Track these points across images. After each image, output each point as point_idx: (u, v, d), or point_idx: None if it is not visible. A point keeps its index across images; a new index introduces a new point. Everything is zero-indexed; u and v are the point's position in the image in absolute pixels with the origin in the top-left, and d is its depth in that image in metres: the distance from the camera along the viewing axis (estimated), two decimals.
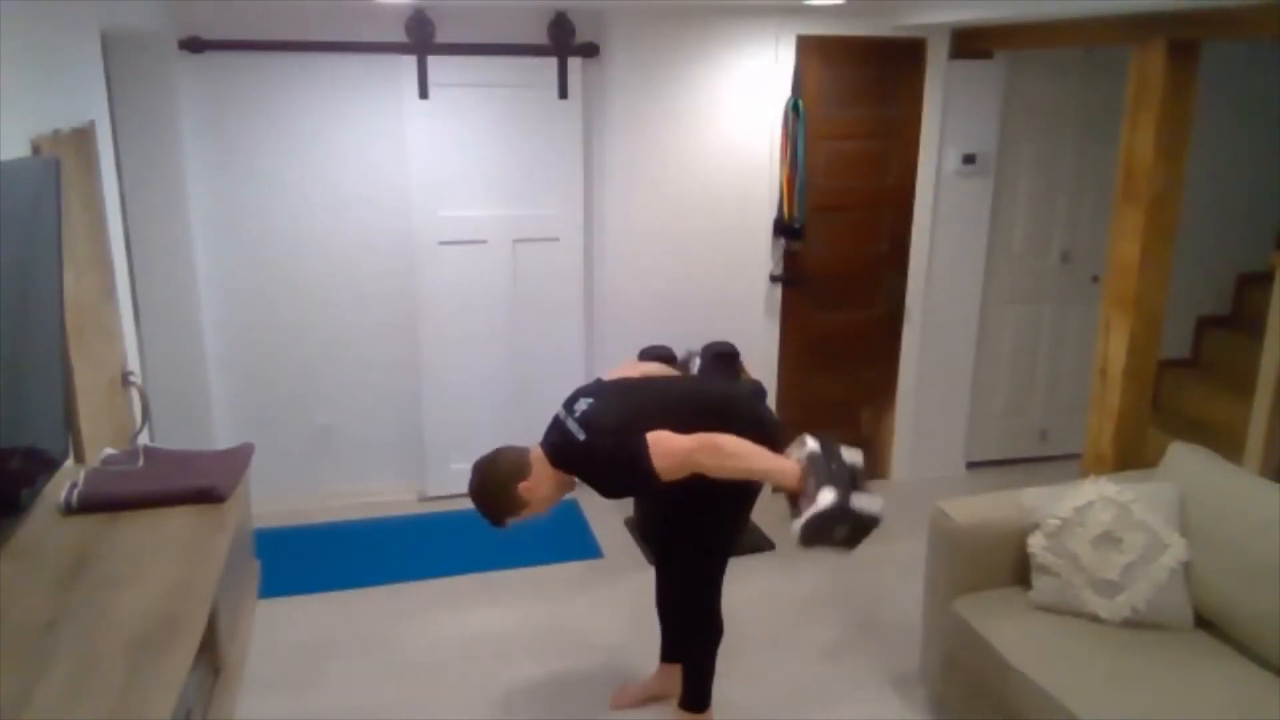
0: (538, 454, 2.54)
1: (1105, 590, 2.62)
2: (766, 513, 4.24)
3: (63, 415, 2.04)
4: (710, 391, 2.79)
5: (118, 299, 2.92)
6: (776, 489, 2.43)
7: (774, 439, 2.62)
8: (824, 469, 2.34)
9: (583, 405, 2.52)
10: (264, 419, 4.26)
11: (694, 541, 2.70)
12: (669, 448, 2.34)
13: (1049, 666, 2.46)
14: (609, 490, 2.57)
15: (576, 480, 2.58)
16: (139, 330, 3.51)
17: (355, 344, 4.33)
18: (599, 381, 2.72)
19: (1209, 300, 4.96)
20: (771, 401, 4.41)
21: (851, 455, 2.40)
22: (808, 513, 2.30)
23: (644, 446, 2.34)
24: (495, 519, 2.54)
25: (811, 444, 2.41)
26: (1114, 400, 3.54)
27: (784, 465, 2.40)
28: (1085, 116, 4.54)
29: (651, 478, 2.35)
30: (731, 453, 2.36)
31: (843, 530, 2.30)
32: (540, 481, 2.51)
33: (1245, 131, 4.60)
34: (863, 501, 2.30)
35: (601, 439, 2.42)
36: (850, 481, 2.32)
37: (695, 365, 3.80)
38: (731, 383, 2.90)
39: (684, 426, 2.39)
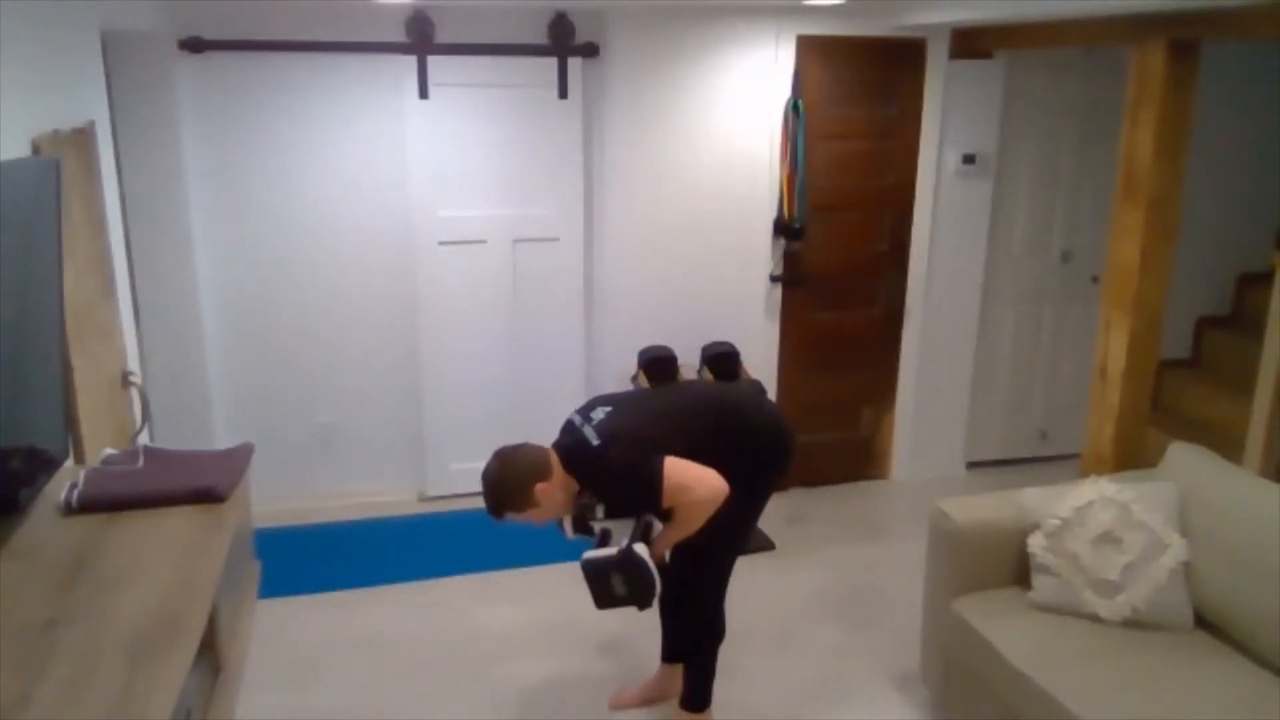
0: (556, 460, 2.53)
1: (1105, 590, 2.62)
2: (767, 513, 4.23)
3: (63, 415, 2.04)
4: (728, 410, 2.73)
5: (118, 299, 2.91)
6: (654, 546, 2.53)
7: (788, 452, 2.69)
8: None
9: (600, 414, 2.52)
10: (264, 419, 4.26)
11: (698, 544, 2.70)
12: (678, 481, 2.37)
13: (1049, 666, 2.46)
14: (611, 500, 2.55)
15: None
16: (139, 330, 3.51)
17: (355, 344, 4.33)
18: (616, 393, 2.73)
19: (1209, 300, 4.96)
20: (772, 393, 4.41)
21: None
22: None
23: (659, 469, 2.35)
24: (498, 510, 2.52)
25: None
26: (1114, 400, 3.54)
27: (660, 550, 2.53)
28: (1085, 116, 4.54)
29: (658, 501, 2.39)
30: (691, 523, 2.45)
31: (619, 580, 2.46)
32: (557, 487, 2.50)
33: (1245, 131, 4.60)
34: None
35: (617, 449, 2.42)
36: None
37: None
38: (748, 395, 2.91)
39: (701, 445, 2.43)
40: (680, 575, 2.90)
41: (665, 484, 2.35)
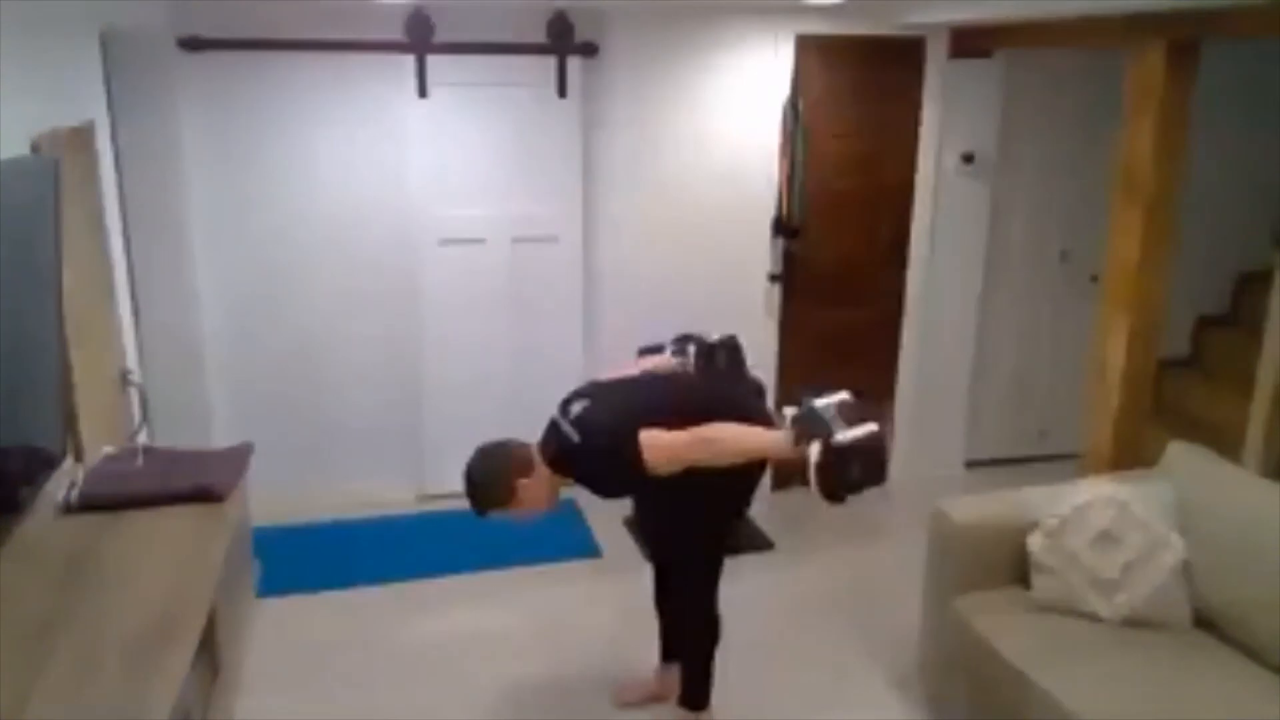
0: (539, 457, 2.54)
1: (1104, 589, 2.62)
2: (766, 513, 4.23)
3: (62, 414, 2.04)
4: (704, 388, 2.77)
5: (117, 299, 2.92)
6: (779, 465, 2.40)
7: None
8: (808, 424, 2.33)
9: (577, 408, 2.53)
10: (263, 418, 4.26)
11: (690, 539, 2.70)
12: (661, 445, 2.35)
13: (1048, 666, 2.46)
14: (605, 490, 2.57)
15: (561, 490, 2.58)
16: (139, 330, 3.51)
17: (354, 342, 4.32)
18: (593, 383, 2.73)
19: (1209, 300, 4.96)
20: (771, 401, 4.40)
21: (834, 397, 2.39)
22: (811, 473, 2.28)
23: (636, 445, 2.34)
24: (481, 506, 2.52)
25: (790, 411, 2.40)
26: (1113, 400, 3.54)
27: (775, 437, 2.37)
28: (1084, 115, 4.53)
29: (645, 476, 2.36)
30: (721, 439, 2.36)
31: (855, 468, 2.27)
32: (539, 482, 2.51)
33: (1245, 131, 4.59)
34: (852, 431, 2.28)
35: (596, 440, 2.43)
36: (834, 421, 2.31)
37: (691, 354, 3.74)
38: (728, 379, 2.89)
39: (677, 424, 2.39)
40: (673, 573, 2.91)
41: (645, 455, 2.33)
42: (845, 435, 2.27)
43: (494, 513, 2.52)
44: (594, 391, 2.62)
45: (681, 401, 2.59)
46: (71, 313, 2.17)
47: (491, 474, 2.50)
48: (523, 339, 4.43)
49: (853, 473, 2.27)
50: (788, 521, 4.27)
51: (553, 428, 2.56)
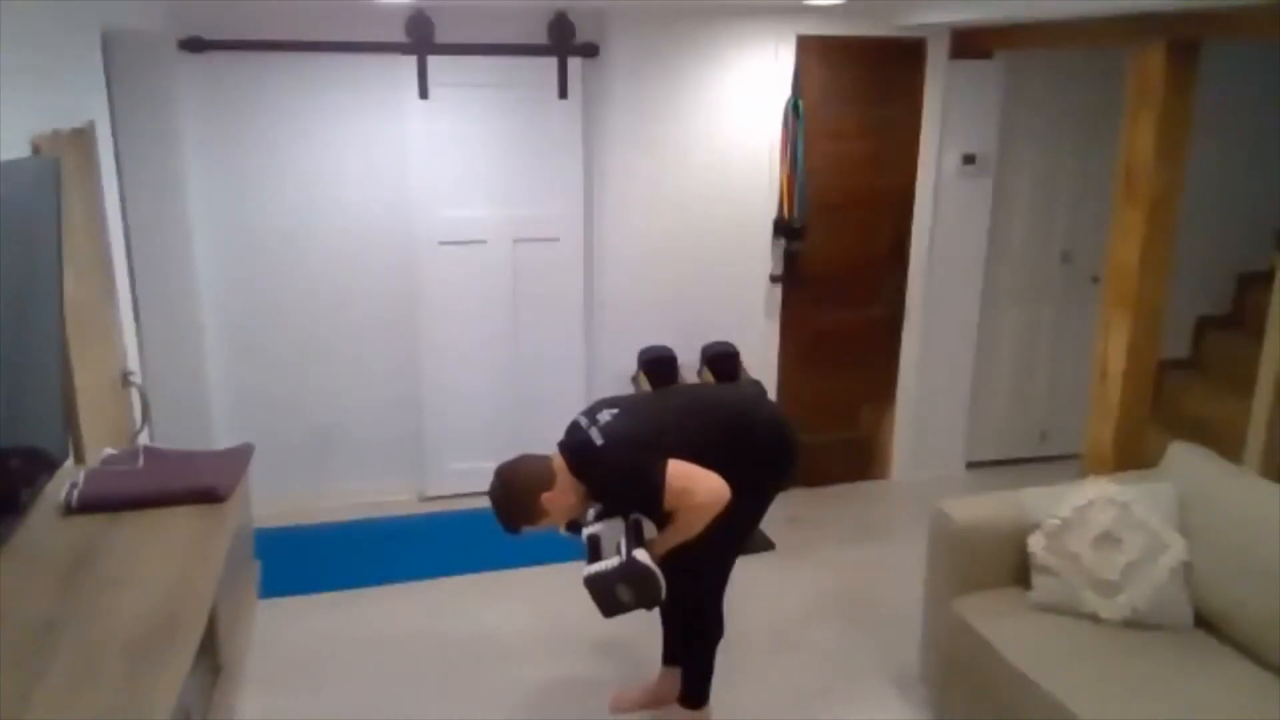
0: (560, 463, 2.53)
1: (1105, 590, 2.62)
2: (767, 513, 4.23)
3: (62, 415, 2.04)
4: (734, 414, 2.74)
5: (118, 299, 2.92)
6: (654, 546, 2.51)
7: (793, 455, 2.70)
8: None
9: (606, 416, 2.53)
10: (264, 419, 4.26)
11: (701, 545, 2.70)
12: (680, 485, 2.37)
13: (1049, 666, 2.46)
14: (612, 500, 2.55)
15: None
16: (139, 330, 3.51)
17: (355, 344, 4.33)
18: (622, 396, 2.74)
19: (1209, 300, 4.96)
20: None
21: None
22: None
23: (662, 471, 2.36)
24: (512, 526, 2.52)
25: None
26: (1114, 400, 3.54)
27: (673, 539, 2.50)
28: (1085, 116, 4.54)
29: (659, 502, 2.39)
30: (693, 525, 2.43)
31: (622, 591, 2.45)
32: (563, 492, 2.50)
33: (1245, 131, 4.60)
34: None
35: (620, 450, 2.44)
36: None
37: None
38: (753, 398, 2.92)
39: (707, 449, 2.43)
40: (681, 575, 2.90)
41: (667, 487, 2.36)
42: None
43: (526, 529, 2.53)
44: (624, 403, 2.64)
45: (711, 426, 2.61)
46: (72, 313, 2.17)
47: (515, 495, 2.50)
48: (524, 339, 4.43)
49: (620, 595, 2.44)
50: (788, 521, 4.27)
51: (575, 428, 2.56)
